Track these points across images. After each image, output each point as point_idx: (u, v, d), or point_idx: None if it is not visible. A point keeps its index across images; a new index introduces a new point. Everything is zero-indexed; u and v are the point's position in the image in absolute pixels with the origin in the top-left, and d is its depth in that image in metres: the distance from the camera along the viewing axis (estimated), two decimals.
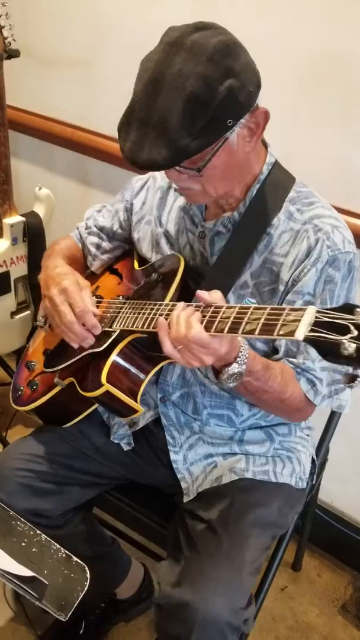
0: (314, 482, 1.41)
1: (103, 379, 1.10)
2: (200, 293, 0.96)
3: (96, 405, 1.25)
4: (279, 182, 1.15)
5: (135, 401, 1.13)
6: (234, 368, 0.98)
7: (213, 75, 0.94)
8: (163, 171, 1.06)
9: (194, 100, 0.93)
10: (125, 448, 1.34)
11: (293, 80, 1.51)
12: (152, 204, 1.32)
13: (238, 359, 0.98)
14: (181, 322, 0.94)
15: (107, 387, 1.10)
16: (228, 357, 0.97)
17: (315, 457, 1.40)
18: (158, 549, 1.61)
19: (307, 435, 1.36)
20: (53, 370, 1.28)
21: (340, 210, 1.47)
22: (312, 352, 1.05)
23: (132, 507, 1.39)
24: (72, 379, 1.21)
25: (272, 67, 1.49)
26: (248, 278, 1.15)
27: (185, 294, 1.14)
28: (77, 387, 1.17)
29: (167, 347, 0.96)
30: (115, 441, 1.34)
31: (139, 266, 1.34)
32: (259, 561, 1.16)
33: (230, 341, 0.94)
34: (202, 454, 1.27)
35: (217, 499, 1.20)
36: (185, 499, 1.24)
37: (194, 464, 1.27)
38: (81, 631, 1.59)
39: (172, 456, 1.27)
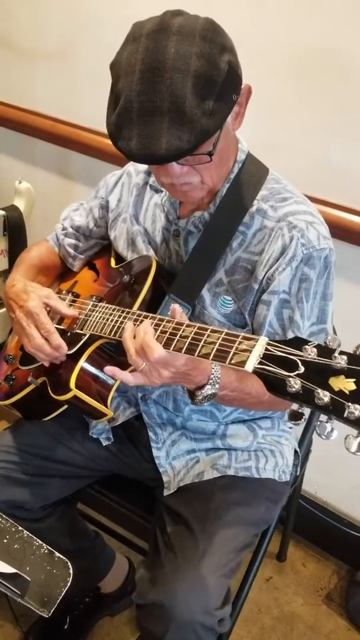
0: (297, 473, 1.41)
1: (72, 384, 1.11)
2: (174, 308, 0.96)
3: None
4: (250, 179, 1.14)
5: (105, 405, 1.14)
6: (207, 390, 1.00)
7: (212, 52, 0.92)
8: (160, 169, 1.02)
9: (202, 78, 0.91)
10: (104, 443, 1.34)
11: (280, 72, 1.50)
12: (128, 201, 1.30)
13: (210, 380, 1.00)
14: (143, 349, 0.94)
15: (76, 392, 1.11)
16: (196, 379, 0.99)
17: (298, 449, 1.41)
18: (143, 543, 1.60)
19: (290, 428, 1.36)
20: (27, 368, 1.29)
21: (322, 202, 1.48)
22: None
23: (115, 501, 1.38)
24: (45, 378, 1.21)
25: (260, 59, 1.49)
26: (223, 276, 1.15)
27: (157, 296, 1.14)
28: (48, 389, 1.18)
29: (130, 379, 0.99)
30: (94, 436, 1.34)
31: (116, 264, 1.33)
32: (236, 561, 1.16)
33: (191, 360, 0.94)
34: (184, 449, 1.27)
35: (197, 496, 1.20)
36: (166, 492, 1.24)
37: (176, 458, 1.27)
38: (66, 626, 1.59)
39: (155, 452, 1.27)
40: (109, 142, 1.01)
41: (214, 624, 1.07)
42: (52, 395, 1.16)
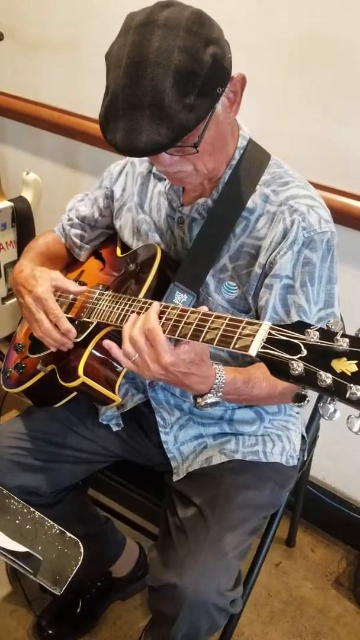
0: (304, 458, 1.43)
1: (80, 371, 1.13)
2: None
3: None
4: (252, 165, 1.15)
5: (113, 392, 1.16)
6: (210, 398, 1.03)
7: (195, 45, 0.92)
8: (152, 159, 1.04)
9: (183, 72, 0.91)
10: (115, 429, 1.36)
11: (282, 59, 1.50)
12: (133, 190, 1.31)
13: (212, 390, 1.03)
14: (140, 319, 0.97)
15: (84, 379, 1.13)
16: (195, 386, 1.01)
17: (305, 435, 1.42)
18: (153, 528, 1.63)
19: (297, 413, 1.38)
20: (36, 356, 1.31)
21: (325, 188, 1.49)
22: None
23: (125, 486, 1.41)
24: (53, 365, 1.23)
25: (261, 46, 1.49)
26: (227, 262, 1.16)
27: (162, 283, 1.15)
28: (57, 376, 1.19)
29: (123, 360, 1.00)
30: (104, 422, 1.36)
31: (121, 253, 1.35)
32: (247, 543, 1.18)
33: (183, 357, 0.95)
34: (192, 434, 1.29)
35: (206, 480, 1.22)
36: (175, 478, 1.26)
37: (184, 443, 1.28)
38: (78, 610, 1.62)
39: (163, 437, 1.29)
40: None
41: (226, 604, 1.08)
42: (61, 382, 1.18)
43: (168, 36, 0.92)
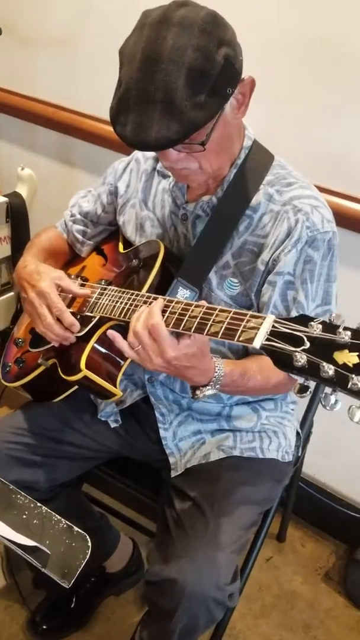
0: (299, 454, 1.45)
1: (82, 364, 1.13)
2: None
3: None
4: (256, 166, 1.17)
5: (114, 386, 1.17)
6: (207, 390, 1.05)
7: (208, 45, 0.95)
8: (160, 154, 1.05)
9: (195, 71, 0.93)
10: (113, 425, 1.37)
11: (283, 60, 1.52)
12: (137, 187, 1.32)
13: (211, 382, 1.05)
14: (143, 314, 0.98)
15: (86, 372, 1.13)
16: (195, 379, 1.03)
17: (300, 431, 1.44)
18: (147, 523, 1.65)
19: (292, 409, 1.40)
20: (37, 350, 1.31)
21: (323, 190, 1.51)
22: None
23: (122, 481, 1.42)
24: (55, 359, 1.24)
25: (258, 46, 1.50)
26: (229, 259, 1.18)
27: (165, 279, 1.16)
28: (59, 369, 1.20)
29: (127, 351, 1.02)
30: (102, 419, 1.37)
31: (124, 249, 1.35)
32: (245, 538, 1.20)
33: (184, 352, 0.96)
34: (191, 430, 1.30)
35: (204, 476, 1.23)
36: (173, 474, 1.27)
37: (183, 439, 1.30)
38: (72, 605, 1.63)
39: (162, 433, 1.30)
40: (110, 129, 1.05)
41: (225, 598, 1.10)
42: (63, 375, 1.18)
43: (183, 34, 0.94)
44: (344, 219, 1.49)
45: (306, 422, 1.50)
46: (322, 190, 1.49)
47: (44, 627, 1.58)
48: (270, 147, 1.21)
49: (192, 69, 0.94)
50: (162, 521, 1.21)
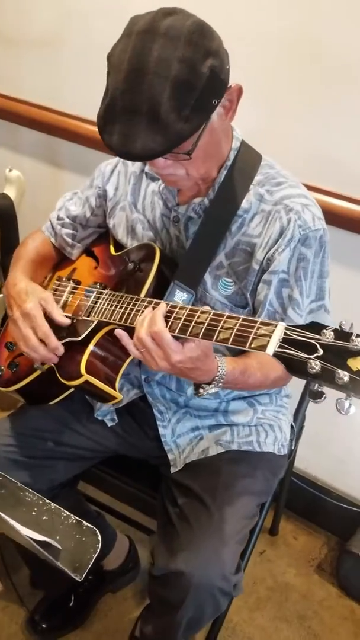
0: (292, 447, 1.47)
1: (82, 369, 1.14)
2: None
3: None
4: (245, 166, 1.18)
5: (114, 388, 1.18)
6: (211, 388, 1.08)
7: (194, 57, 0.95)
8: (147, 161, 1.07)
9: (181, 83, 0.94)
10: (109, 424, 1.38)
11: (269, 61, 1.54)
12: (126, 189, 1.32)
13: (214, 381, 1.07)
14: (146, 321, 1.00)
15: (87, 377, 1.14)
16: (199, 378, 1.06)
17: (293, 424, 1.47)
18: (143, 520, 1.67)
19: (286, 403, 1.42)
20: None
21: (312, 189, 1.53)
22: (292, 319, 1.12)
23: (120, 479, 1.43)
24: (52, 364, 1.24)
25: (249, 48, 1.52)
26: (223, 259, 1.19)
27: (162, 282, 1.17)
28: (57, 374, 1.20)
29: (132, 350, 1.04)
30: (99, 418, 1.38)
31: (115, 251, 1.35)
32: (247, 529, 1.23)
33: (189, 355, 0.98)
34: (189, 426, 1.32)
35: (205, 470, 1.25)
36: (173, 470, 1.29)
37: (181, 436, 1.32)
38: (71, 603, 1.64)
39: (161, 430, 1.32)
40: (96, 129, 1.05)
41: (230, 588, 1.12)
42: (62, 380, 1.19)
43: (168, 46, 0.95)
44: (332, 217, 1.51)
45: (299, 415, 1.53)
46: (311, 188, 1.52)
47: (44, 626, 1.58)
48: (261, 147, 1.23)
49: (178, 82, 0.94)
50: (164, 516, 1.23)
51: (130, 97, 0.96)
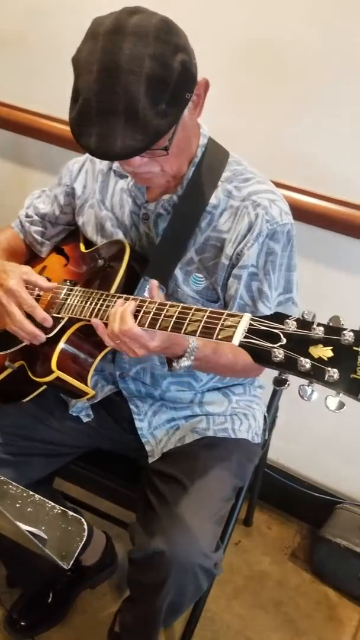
0: (266, 437, 1.51)
1: (53, 365, 1.15)
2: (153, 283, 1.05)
3: None
4: (213, 162, 1.21)
5: (85, 384, 1.19)
6: (183, 361, 1.09)
7: (165, 52, 0.97)
8: (123, 161, 1.07)
9: (155, 79, 0.95)
10: (85, 420, 1.39)
11: (229, 62, 1.56)
12: (94, 187, 1.33)
13: (186, 353, 1.09)
14: (117, 319, 1.02)
15: (58, 373, 1.15)
16: (174, 351, 1.07)
17: (266, 415, 1.50)
18: (120, 514, 1.68)
19: (260, 394, 1.46)
20: (3, 353, 1.31)
21: (279, 185, 1.56)
22: (262, 312, 1.14)
23: (98, 474, 1.44)
24: (22, 362, 1.25)
25: (208, 48, 1.54)
26: (193, 255, 1.21)
27: (132, 278, 1.19)
28: (28, 371, 1.21)
29: (107, 341, 1.05)
30: (74, 414, 1.38)
31: (85, 248, 1.36)
32: (224, 511, 1.26)
33: (162, 338, 1.02)
34: (165, 418, 1.34)
35: (182, 457, 1.28)
36: (151, 460, 1.31)
37: (158, 428, 1.34)
38: (49, 600, 1.64)
39: (138, 424, 1.33)
40: (65, 128, 1.05)
41: (211, 566, 1.15)
42: (33, 377, 1.19)
43: (139, 44, 0.96)
44: (298, 213, 1.55)
45: (272, 406, 1.57)
46: (278, 185, 1.56)
47: (22, 623, 1.58)
48: (229, 144, 1.25)
49: (152, 78, 0.95)
50: (144, 503, 1.24)
51: (105, 97, 0.97)
